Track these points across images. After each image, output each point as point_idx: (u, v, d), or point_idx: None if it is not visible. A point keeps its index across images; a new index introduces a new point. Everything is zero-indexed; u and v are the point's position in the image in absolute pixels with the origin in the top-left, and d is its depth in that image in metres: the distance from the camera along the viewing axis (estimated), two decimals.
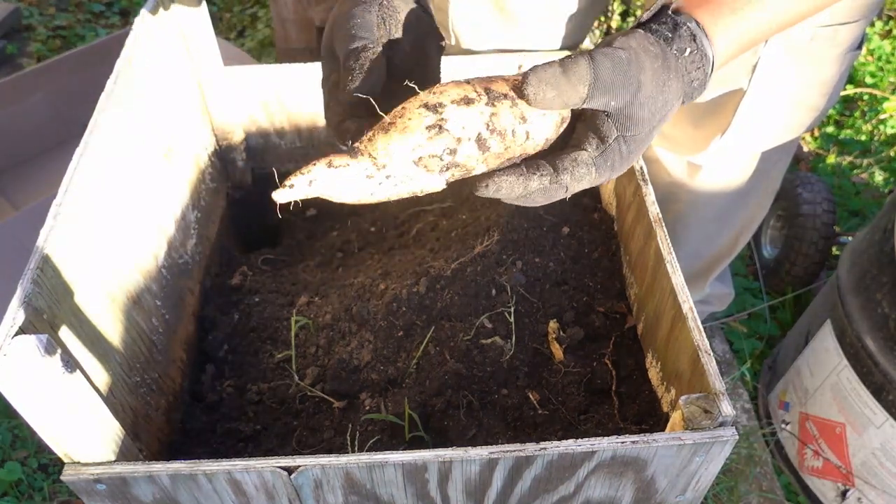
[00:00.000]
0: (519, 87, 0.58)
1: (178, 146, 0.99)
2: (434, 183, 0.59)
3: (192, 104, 1.05)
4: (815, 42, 1.04)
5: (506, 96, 0.58)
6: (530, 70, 0.57)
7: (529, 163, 0.59)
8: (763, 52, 1.06)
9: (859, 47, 1.11)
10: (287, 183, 0.55)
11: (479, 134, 0.58)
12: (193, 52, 1.03)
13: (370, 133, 0.58)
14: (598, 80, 0.56)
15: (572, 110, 0.62)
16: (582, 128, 0.61)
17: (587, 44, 1.18)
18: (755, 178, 1.28)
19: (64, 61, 1.92)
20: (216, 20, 2.85)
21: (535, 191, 0.59)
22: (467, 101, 0.57)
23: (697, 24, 0.63)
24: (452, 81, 0.60)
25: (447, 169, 0.58)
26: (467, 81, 0.60)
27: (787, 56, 1.06)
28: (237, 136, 1.13)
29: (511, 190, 0.58)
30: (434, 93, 0.58)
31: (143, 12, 0.94)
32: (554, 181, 0.58)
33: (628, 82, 0.57)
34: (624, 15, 2.35)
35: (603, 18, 2.28)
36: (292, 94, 1.10)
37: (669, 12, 0.63)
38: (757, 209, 1.38)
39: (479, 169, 0.60)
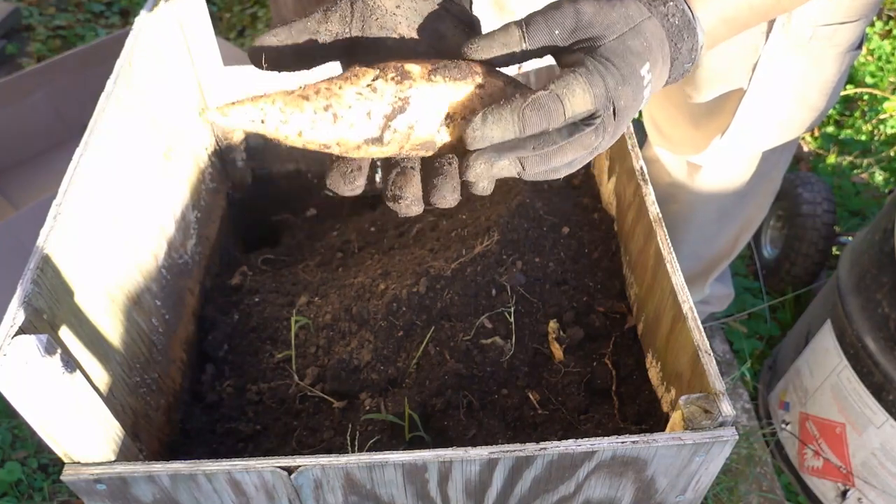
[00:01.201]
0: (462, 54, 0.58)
1: (178, 146, 0.99)
2: (367, 129, 0.57)
3: (192, 104, 1.05)
4: (816, 41, 1.04)
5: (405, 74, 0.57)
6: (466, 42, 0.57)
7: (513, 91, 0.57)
8: (763, 50, 1.06)
9: (859, 47, 1.11)
10: (227, 108, 0.55)
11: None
12: (193, 52, 1.03)
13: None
14: (530, 20, 0.56)
15: None
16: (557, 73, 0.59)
17: None
18: (755, 179, 1.28)
19: (64, 61, 1.92)
20: (216, 20, 2.85)
21: (526, 108, 0.53)
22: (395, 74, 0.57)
23: None
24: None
25: (387, 121, 0.56)
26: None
27: (787, 55, 1.06)
28: (237, 136, 1.13)
29: (500, 116, 0.53)
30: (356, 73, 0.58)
31: (143, 12, 0.94)
32: (544, 94, 0.53)
33: (563, 13, 0.56)
34: None
35: None
36: None
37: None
38: (757, 210, 1.38)
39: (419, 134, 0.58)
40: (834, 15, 1.02)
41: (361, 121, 0.57)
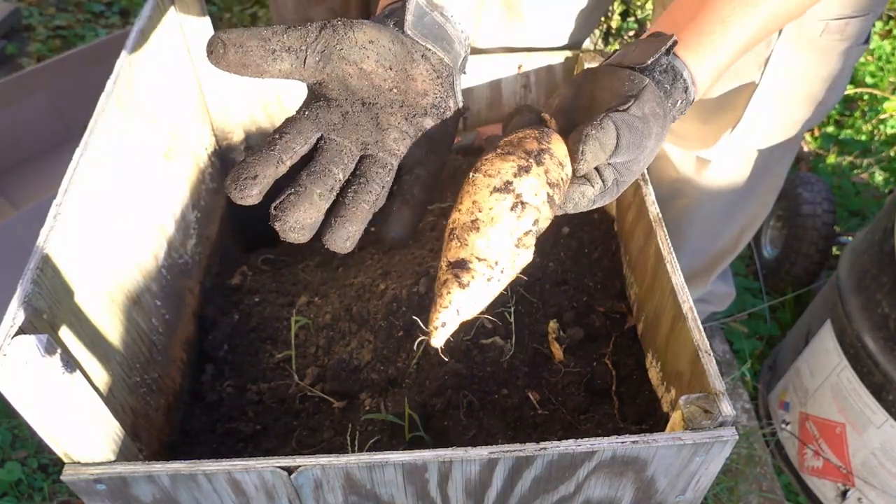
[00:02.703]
0: (573, 151, 0.63)
1: (178, 146, 0.99)
2: (529, 255, 0.61)
3: (192, 104, 1.05)
4: (826, 35, 1.04)
5: (542, 151, 0.62)
6: (583, 137, 0.62)
7: None
8: (776, 45, 1.06)
9: (866, 42, 1.11)
10: (436, 324, 0.58)
11: (547, 193, 0.62)
12: (193, 52, 1.03)
13: (454, 242, 0.60)
14: (619, 146, 0.62)
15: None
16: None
17: (587, 44, 1.18)
18: (761, 174, 1.28)
19: (64, 61, 1.92)
20: (216, 20, 2.85)
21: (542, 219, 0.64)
22: (525, 170, 0.61)
23: (689, 72, 0.68)
24: (488, 155, 0.63)
25: (536, 235, 0.61)
26: (499, 149, 0.63)
27: (799, 49, 1.06)
28: (237, 136, 1.13)
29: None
30: (489, 174, 0.61)
31: (144, 12, 0.94)
32: (560, 209, 0.66)
33: (638, 146, 0.64)
34: (624, 15, 2.35)
35: (603, 18, 2.28)
36: (292, 94, 1.10)
37: (668, 58, 0.68)
38: (761, 205, 1.38)
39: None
40: (844, 9, 1.02)
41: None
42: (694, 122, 1.22)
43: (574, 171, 0.64)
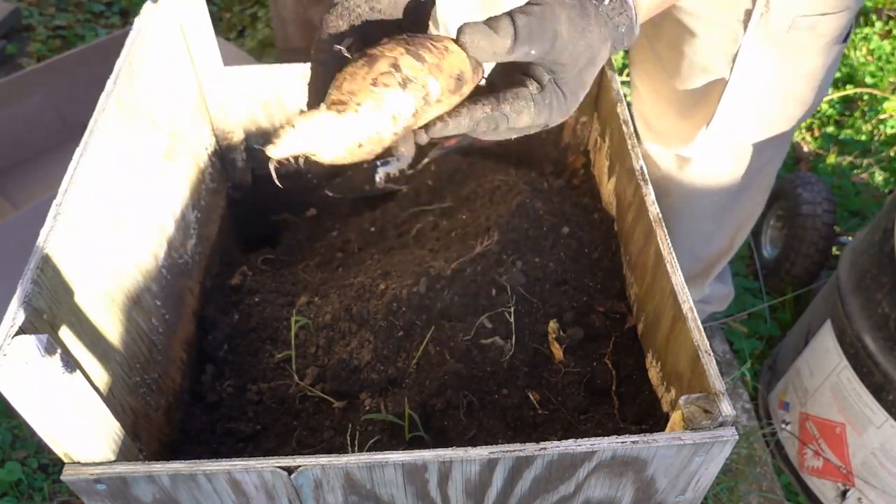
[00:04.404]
0: (456, 36, 0.64)
1: (178, 146, 0.99)
2: (402, 102, 0.62)
3: (192, 104, 1.05)
4: (796, 31, 1.04)
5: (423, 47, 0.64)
6: (463, 24, 0.63)
7: (473, 97, 0.66)
8: (743, 41, 1.06)
9: (845, 40, 1.11)
10: (276, 140, 0.60)
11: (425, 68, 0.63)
12: (193, 52, 1.03)
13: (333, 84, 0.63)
14: (518, 32, 0.63)
15: (512, 66, 0.69)
16: (520, 76, 0.68)
17: None
18: (748, 174, 1.28)
19: (64, 61, 1.92)
20: (216, 20, 2.85)
21: (479, 119, 0.65)
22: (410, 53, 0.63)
23: None
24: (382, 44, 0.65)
25: (405, 84, 0.61)
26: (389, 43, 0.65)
27: (767, 46, 1.06)
28: (237, 136, 1.13)
29: (458, 123, 0.65)
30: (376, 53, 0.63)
31: (143, 12, 0.94)
32: (496, 109, 0.66)
33: (544, 32, 0.64)
34: None
35: None
36: (292, 94, 1.10)
37: None
38: (752, 206, 1.38)
39: (428, 112, 0.64)
40: (814, 6, 1.02)
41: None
42: (673, 118, 1.23)
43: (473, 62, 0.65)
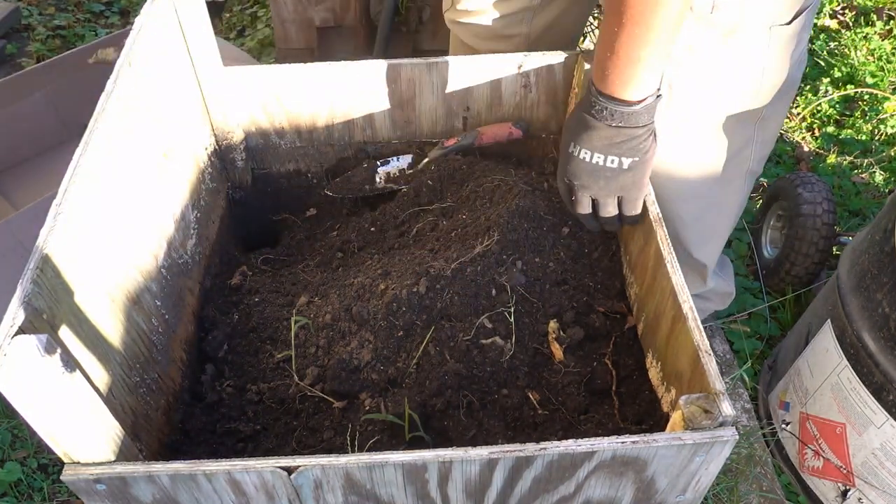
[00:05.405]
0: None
1: (178, 146, 0.99)
2: None
3: (192, 104, 1.05)
4: (720, 13, 1.04)
5: None
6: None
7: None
8: None
9: (789, 23, 1.10)
10: None
11: None
12: (193, 52, 1.03)
13: None
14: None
15: None
16: None
17: (588, 44, 1.18)
18: (718, 156, 1.27)
19: (64, 61, 1.92)
20: (216, 20, 2.84)
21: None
22: None
23: (608, 97, 0.84)
24: None
25: None
26: None
27: (693, 26, 1.06)
28: (237, 136, 1.13)
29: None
30: None
31: (143, 12, 0.94)
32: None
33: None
34: None
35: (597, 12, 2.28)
36: (292, 94, 1.10)
37: (598, 98, 0.85)
38: (733, 192, 1.36)
39: None
40: None
41: None
42: None
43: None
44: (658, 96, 0.85)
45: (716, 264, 1.51)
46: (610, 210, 0.91)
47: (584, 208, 0.92)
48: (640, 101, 0.83)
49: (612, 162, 0.86)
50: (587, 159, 0.87)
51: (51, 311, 0.64)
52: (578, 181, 0.89)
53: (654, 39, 0.78)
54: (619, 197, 0.90)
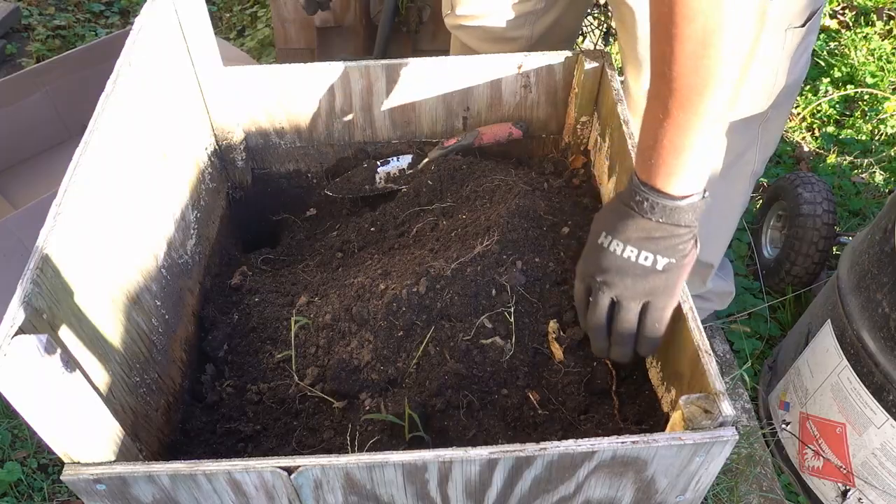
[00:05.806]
0: None
1: (178, 146, 0.99)
2: None
3: (192, 104, 1.05)
4: None
5: None
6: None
7: None
8: None
9: (803, 25, 1.09)
10: None
11: None
12: (193, 52, 1.03)
13: None
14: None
15: None
16: None
17: (587, 44, 1.18)
18: (724, 158, 1.26)
19: (64, 61, 1.92)
20: (216, 20, 2.85)
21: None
22: None
23: (650, 188, 0.76)
24: None
25: None
26: None
27: None
28: (237, 136, 1.13)
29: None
30: None
31: (143, 12, 0.94)
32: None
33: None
34: None
35: (603, 18, 2.28)
36: (292, 94, 1.10)
37: (640, 188, 0.77)
38: (737, 194, 1.36)
39: None
40: None
41: None
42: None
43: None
44: (704, 197, 0.78)
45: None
46: (630, 318, 0.79)
47: (600, 314, 0.81)
48: (684, 197, 0.76)
49: (646, 259, 0.77)
50: (618, 252, 0.78)
51: (51, 311, 0.64)
52: (602, 277, 0.79)
53: (701, 127, 0.73)
54: (644, 303, 0.78)
